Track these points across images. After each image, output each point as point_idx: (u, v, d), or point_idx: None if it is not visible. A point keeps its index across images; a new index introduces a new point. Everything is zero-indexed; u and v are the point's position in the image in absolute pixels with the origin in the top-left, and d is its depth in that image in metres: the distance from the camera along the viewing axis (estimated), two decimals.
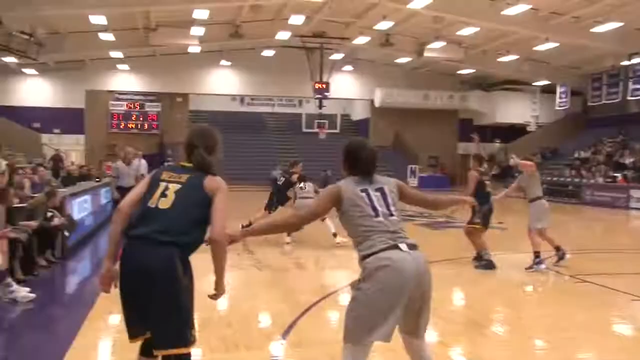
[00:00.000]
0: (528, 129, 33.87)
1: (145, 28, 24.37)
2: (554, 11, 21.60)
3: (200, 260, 3.28)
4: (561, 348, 4.87)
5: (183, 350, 3.01)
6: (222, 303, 5.98)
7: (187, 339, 3.02)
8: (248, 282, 7.62)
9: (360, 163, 3.36)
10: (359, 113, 38.54)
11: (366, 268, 3.10)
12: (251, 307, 6.07)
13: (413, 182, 29.76)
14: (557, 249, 8.54)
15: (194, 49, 27.54)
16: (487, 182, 8.55)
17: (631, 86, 27.33)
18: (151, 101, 32.48)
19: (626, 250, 11.22)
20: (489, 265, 8.22)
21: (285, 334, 5.06)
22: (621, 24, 21.31)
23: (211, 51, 30.03)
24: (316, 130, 31.49)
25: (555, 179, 27.63)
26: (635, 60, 25.60)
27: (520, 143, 31.46)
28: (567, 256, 8.49)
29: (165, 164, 9.36)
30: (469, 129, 36.47)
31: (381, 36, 26.34)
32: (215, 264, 3.10)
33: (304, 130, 32.08)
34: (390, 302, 3.02)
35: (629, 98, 28.13)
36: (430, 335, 5.16)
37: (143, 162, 18.55)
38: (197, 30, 24.22)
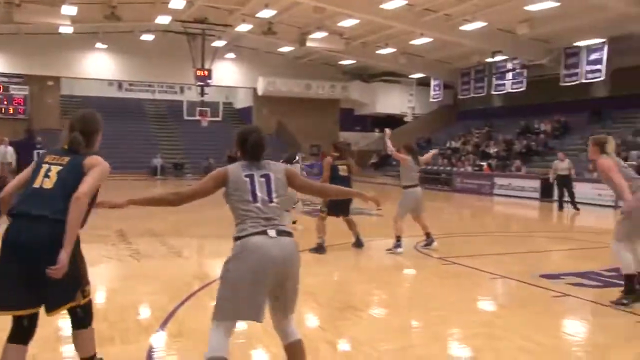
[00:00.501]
0: (405, 119, 35.45)
1: (7, 2, 22.45)
2: (427, 8, 22.71)
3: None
4: (432, 326, 5.18)
5: (72, 304, 3.29)
6: (99, 296, 5.72)
7: (74, 297, 3.28)
8: (125, 273, 7.34)
9: (247, 148, 3.45)
10: (242, 101, 38.23)
11: (234, 249, 3.26)
12: (128, 299, 5.86)
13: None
14: (428, 235, 9.03)
15: (66, 29, 25.85)
16: (342, 167, 8.77)
17: (495, 82, 29.47)
18: (17, 84, 30.03)
19: (490, 233, 12.15)
20: (319, 250, 8.51)
21: (163, 325, 4.95)
22: (485, 23, 22.92)
23: (85, 33, 28.36)
24: (198, 118, 30.83)
25: (429, 167, 29.18)
26: (497, 58, 27.62)
27: (398, 133, 32.80)
28: (435, 244, 8.95)
29: (41, 151, 8.89)
30: (350, 119, 37.63)
31: (264, 24, 26.27)
32: (68, 224, 3.10)
33: (186, 117, 31.31)
34: (252, 284, 3.17)
35: (493, 93, 30.31)
36: (309, 321, 5.29)
37: (10, 148, 17.12)
38: (69, 10, 22.72)
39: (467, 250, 9.22)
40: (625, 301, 5.68)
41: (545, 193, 20.88)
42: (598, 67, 24.10)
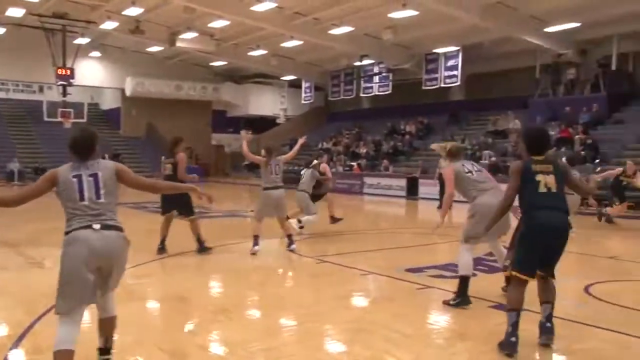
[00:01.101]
0: (277, 121, 35.73)
1: None
2: (297, 11, 23.05)
3: None
4: (304, 324, 5.26)
5: None
6: None
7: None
8: None
9: (74, 149, 3.69)
10: (109, 102, 36.40)
11: (63, 243, 3.57)
12: None
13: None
14: (289, 237, 8.86)
15: None
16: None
17: (363, 84, 30.62)
18: None
19: (360, 231, 12.59)
20: (203, 249, 8.46)
21: (18, 341, 4.57)
22: (353, 28, 23.75)
23: None
24: (60, 119, 28.83)
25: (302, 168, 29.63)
26: (365, 62, 28.73)
27: (271, 134, 33.01)
28: (294, 246, 8.78)
29: None
30: (222, 120, 37.17)
31: (131, 22, 25.19)
32: None
33: (46, 119, 29.16)
34: (75, 273, 3.49)
35: (362, 95, 31.48)
36: (180, 326, 5.15)
37: None
38: None
39: (338, 248, 9.47)
40: (452, 302, 5.78)
41: (411, 191, 22.05)
42: (454, 72, 25.91)
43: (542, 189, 4.44)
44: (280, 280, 7.72)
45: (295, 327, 5.27)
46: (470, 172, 6.09)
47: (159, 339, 4.73)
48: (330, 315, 5.49)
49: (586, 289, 6.49)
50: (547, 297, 4.58)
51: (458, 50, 25.42)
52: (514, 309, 4.43)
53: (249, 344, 4.59)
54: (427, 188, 20.66)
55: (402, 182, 22.64)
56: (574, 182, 4.84)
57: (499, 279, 7.06)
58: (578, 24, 21.26)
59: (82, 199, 3.58)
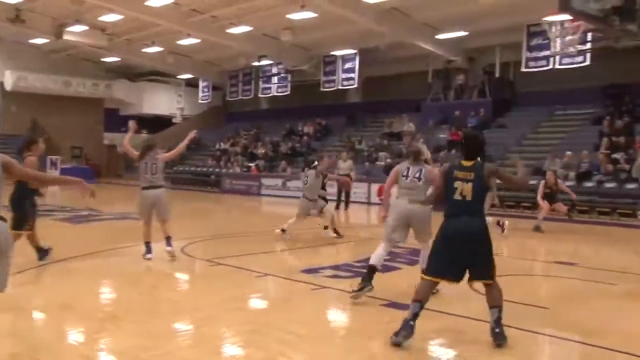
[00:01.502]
0: (174, 120, 34.84)
1: None
2: (194, 8, 22.62)
3: None
4: (198, 328, 5.17)
5: None
6: None
7: None
8: None
9: None
10: None
11: None
12: None
13: (55, 174, 27.49)
14: (167, 239, 8.25)
15: None
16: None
17: (261, 85, 30.59)
18: None
19: (257, 233, 12.55)
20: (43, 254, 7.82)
21: None
22: (251, 28, 23.67)
23: None
24: None
25: (198, 169, 29.13)
26: (264, 62, 28.72)
27: (167, 134, 32.12)
28: (169, 248, 8.21)
29: None
30: (115, 119, 35.66)
31: (9, 10, 23.49)
32: None
33: None
34: None
35: (260, 95, 31.44)
36: (64, 336, 4.89)
37: None
38: None
39: (234, 250, 9.39)
40: (355, 289, 6.05)
41: None
42: (352, 75, 26.54)
43: (457, 197, 4.62)
44: (173, 283, 7.53)
45: (190, 332, 5.17)
46: (405, 176, 6.33)
47: (37, 351, 4.46)
48: (225, 318, 5.44)
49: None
50: (491, 302, 4.71)
51: (355, 53, 26.08)
52: (417, 300, 4.67)
53: (140, 351, 4.45)
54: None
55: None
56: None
57: (393, 278, 7.33)
58: (466, 33, 22.54)
59: None
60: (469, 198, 4.59)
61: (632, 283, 7.38)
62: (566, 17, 15.48)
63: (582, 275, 7.98)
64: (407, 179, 6.27)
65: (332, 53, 26.66)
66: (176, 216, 9.19)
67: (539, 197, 13.10)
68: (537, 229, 12.51)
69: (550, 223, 13.03)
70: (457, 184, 4.62)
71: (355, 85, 27.10)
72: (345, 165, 17.50)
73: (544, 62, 20.81)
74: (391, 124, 26.20)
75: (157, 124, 33.67)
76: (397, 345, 4.56)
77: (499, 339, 4.63)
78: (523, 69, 21.73)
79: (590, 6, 14.52)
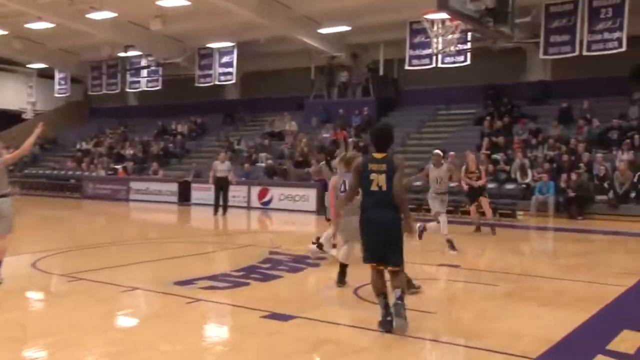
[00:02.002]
0: (24, 116, 32.58)
1: None
2: None
3: None
4: (55, 353, 4.84)
5: None
6: None
7: None
8: None
9: None
10: None
11: None
12: None
13: None
14: None
15: None
16: None
17: (129, 78, 29.47)
18: None
19: (124, 242, 12.05)
20: None
21: None
22: (115, 14, 22.65)
23: None
24: None
25: (55, 172, 27.47)
26: (131, 53, 27.68)
27: (16, 131, 29.92)
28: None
29: None
30: None
31: None
32: None
33: None
34: None
35: (128, 90, 30.29)
36: None
37: None
38: None
39: (97, 262, 8.93)
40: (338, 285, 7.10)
41: (183, 196, 21.82)
42: (230, 70, 26.33)
43: (374, 187, 5.27)
44: (23, 304, 7.00)
45: (45, 358, 4.82)
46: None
47: None
48: (86, 340, 5.13)
49: (355, 291, 7.03)
50: (395, 284, 5.32)
51: (233, 46, 25.89)
52: (380, 294, 5.39)
53: None
54: (201, 193, 20.64)
55: (174, 187, 22.29)
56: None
57: (274, 287, 7.34)
58: (349, 28, 23.19)
59: None
60: (384, 189, 5.22)
61: (512, 283, 7.92)
62: (445, 15, 16.41)
63: (466, 277, 8.45)
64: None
65: (208, 45, 26.28)
66: (27, 226, 8.58)
67: (463, 184, 13.34)
68: (492, 230, 13.17)
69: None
70: (372, 176, 5.26)
71: (234, 81, 26.92)
72: (223, 166, 17.18)
73: (427, 61, 21.90)
74: (272, 122, 26.33)
75: (3, 119, 31.25)
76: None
77: (400, 313, 5.23)
78: (407, 67, 22.72)
79: (467, 6, 15.53)
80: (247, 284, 7.37)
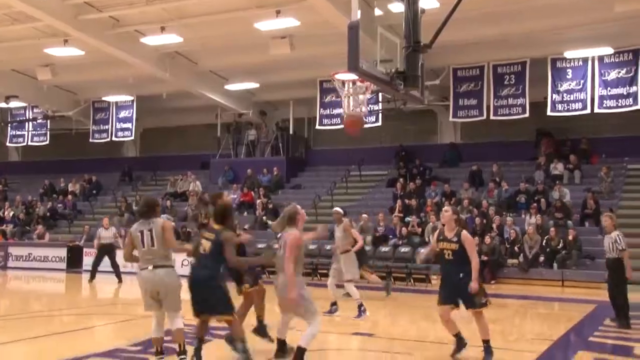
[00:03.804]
0: None
1: None
2: None
3: None
4: None
5: None
6: None
7: None
8: None
9: None
10: None
11: None
12: None
13: None
14: None
15: None
16: None
17: (10, 132, 28.32)
18: None
19: (2, 317, 11.34)
20: None
21: None
22: None
23: None
24: None
25: None
26: (14, 104, 26.57)
27: None
28: None
29: None
30: None
31: None
32: None
33: None
34: None
35: (9, 144, 29.12)
36: None
37: None
38: None
39: None
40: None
41: (73, 262, 20.96)
42: (128, 125, 25.90)
43: (202, 250, 6.73)
44: None
45: None
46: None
47: None
48: None
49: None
50: (234, 334, 6.79)
51: (132, 100, 25.58)
52: (196, 337, 6.80)
53: None
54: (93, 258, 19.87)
55: (62, 252, 21.35)
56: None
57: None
58: (257, 85, 23.59)
59: None
60: (207, 252, 6.68)
61: (428, 351, 8.09)
62: (356, 76, 17.08)
63: (380, 346, 8.55)
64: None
65: (103, 99, 25.84)
66: None
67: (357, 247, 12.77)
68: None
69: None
70: (203, 241, 6.76)
71: (132, 137, 26.51)
72: (107, 233, 16.93)
73: (337, 120, 22.54)
74: (175, 182, 26.00)
75: None
76: None
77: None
78: (317, 127, 23.27)
79: (377, 69, 16.29)
80: (141, 358, 7.13)
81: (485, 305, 7.26)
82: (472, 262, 7.11)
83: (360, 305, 10.54)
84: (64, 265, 21.03)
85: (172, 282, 6.44)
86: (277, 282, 6.65)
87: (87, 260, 20.41)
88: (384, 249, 18.76)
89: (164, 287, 6.38)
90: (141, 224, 6.55)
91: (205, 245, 6.68)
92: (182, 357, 6.44)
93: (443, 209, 7.68)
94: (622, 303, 10.03)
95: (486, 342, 7.31)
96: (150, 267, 6.38)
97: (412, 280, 16.63)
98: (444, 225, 7.40)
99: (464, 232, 7.22)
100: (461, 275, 7.10)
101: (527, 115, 19.90)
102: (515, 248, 17.97)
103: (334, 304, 11.04)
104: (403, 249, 18.53)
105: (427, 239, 18.99)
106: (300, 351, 6.37)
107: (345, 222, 11.49)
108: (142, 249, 6.45)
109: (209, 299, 6.53)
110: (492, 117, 20.43)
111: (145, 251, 6.42)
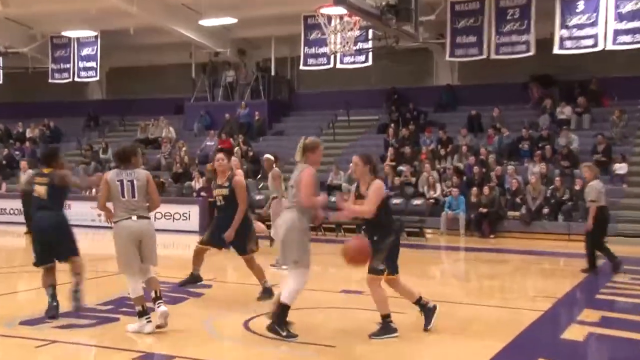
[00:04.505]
0: None
1: None
2: None
3: None
4: None
5: None
6: None
7: None
8: None
9: None
10: None
11: None
12: None
13: None
14: None
15: None
16: None
17: None
18: None
19: None
20: None
21: None
22: None
23: None
24: None
25: None
26: None
27: None
28: None
29: None
30: None
31: None
32: None
33: None
34: None
35: None
36: None
37: None
38: None
39: None
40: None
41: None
42: (92, 64, 25.46)
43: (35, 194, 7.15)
44: None
45: None
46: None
47: None
48: None
49: (246, 324, 6.95)
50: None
51: (96, 36, 25.07)
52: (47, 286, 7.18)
53: None
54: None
55: (21, 204, 21.14)
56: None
57: None
58: (235, 20, 23.12)
59: None
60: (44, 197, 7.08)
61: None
62: (344, 10, 16.77)
63: (370, 304, 8.57)
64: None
65: (63, 34, 25.28)
66: None
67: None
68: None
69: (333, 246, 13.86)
70: (36, 187, 7.17)
71: (97, 78, 26.11)
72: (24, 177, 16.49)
73: (324, 60, 22.26)
74: (146, 128, 25.76)
75: None
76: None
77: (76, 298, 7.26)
78: (302, 67, 22.97)
79: (367, 1, 15.96)
80: (116, 319, 7.11)
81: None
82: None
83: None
84: (22, 218, 20.85)
85: (154, 235, 6.75)
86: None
87: None
88: None
89: (149, 237, 6.64)
90: (120, 173, 6.67)
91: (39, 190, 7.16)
92: (159, 302, 6.58)
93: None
94: (590, 253, 11.08)
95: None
96: (135, 218, 6.54)
97: (404, 234, 16.68)
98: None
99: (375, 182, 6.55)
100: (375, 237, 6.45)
101: (532, 53, 19.69)
102: (517, 199, 18.05)
103: None
104: (395, 201, 18.53)
105: (421, 190, 19.04)
106: (283, 307, 6.28)
107: (274, 171, 11.50)
108: (121, 199, 6.57)
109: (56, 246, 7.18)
110: (493, 56, 20.22)
111: (126, 201, 6.56)
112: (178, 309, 7.73)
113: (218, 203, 8.29)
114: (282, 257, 6.51)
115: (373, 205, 6.35)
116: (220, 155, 8.36)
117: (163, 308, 6.51)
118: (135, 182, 6.59)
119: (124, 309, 7.54)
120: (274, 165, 11.65)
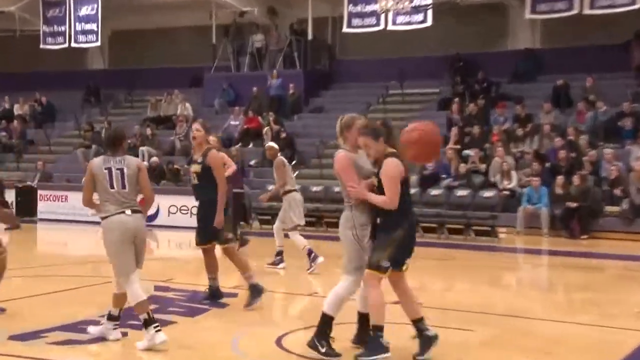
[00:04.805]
0: None
1: None
2: None
3: None
4: None
5: None
6: None
7: None
8: None
9: None
10: None
11: None
12: None
13: None
14: None
15: None
16: None
17: None
18: None
19: None
20: None
21: None
22: None
23: None
24: None
25: None
26: None
27: None
28: None
29: None
30: None
31: None
32: None
33: None
34: None
35: None
36: None
37: None
38: None
39: None
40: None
41: (25, 210, 21.16)
42: (92, 26, 25.70)
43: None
44: None
45: None
46: None
47: None
48: None
49: (278, 341, 6.97)
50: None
51: None
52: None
53: None
54: (50, 204, 20.26)
55: (9, 196, 21.54)
56: None
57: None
58: None
59: None
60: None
61: (493, 328, 8.04)
62: None
63: (431, 319, 8.52)
64: None
65: None
66: None
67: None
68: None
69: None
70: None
71: (98, 43, 26.39)
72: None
73: (372, 20, 22.14)
74: (157, 104, 25.96)
75: None
76: None
77: None
78: (345, 29, 22.89)
79: None
80: (124, 334, 7.18)
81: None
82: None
83: (309, 253, 11.11)
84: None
85: (146, 233, 7.01)
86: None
87: (43, 206, 20.68)
88: (434, 191, 18.71)
89: (143, 236, 6.84)
90: (107, 159, 6.74)
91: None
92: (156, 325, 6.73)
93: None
94: None
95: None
96: (129, 212, 6.62)
97: (471, 233, 16.56)
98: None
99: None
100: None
101: (637, 6, 19.21)
102: (617, 191, 17.75)
103: (279, 254, 11.63)
104: (460, 192, 18.40)
105: (492, 179, 18.84)
106: (325, 319, 6.23)
107: (278, 160, 11.91)
108: (109, 190, 6.65)
109: None
110: (587, 11, 19.84)
111: (115, 193, 6.64)
112: (198, 323, 7.78)
113: (192, 181, 8.64)
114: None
115: (394, 194, 6.04)
116: (196, 125, 8.63)
117: (162, 336, 6.53)
118: (125, 170, 6.66)
119: (132, 322, 7.61)
120: (278, 154, 12.17)
